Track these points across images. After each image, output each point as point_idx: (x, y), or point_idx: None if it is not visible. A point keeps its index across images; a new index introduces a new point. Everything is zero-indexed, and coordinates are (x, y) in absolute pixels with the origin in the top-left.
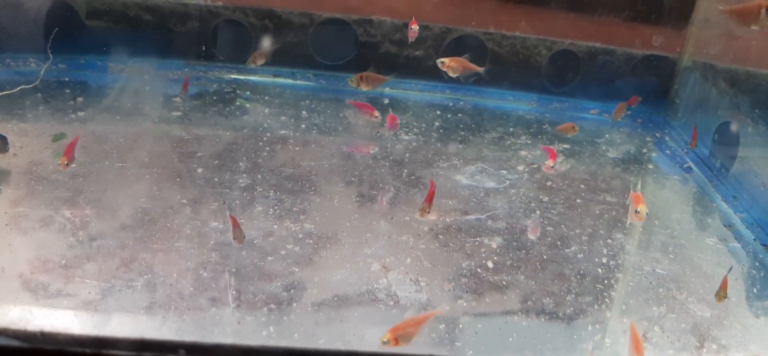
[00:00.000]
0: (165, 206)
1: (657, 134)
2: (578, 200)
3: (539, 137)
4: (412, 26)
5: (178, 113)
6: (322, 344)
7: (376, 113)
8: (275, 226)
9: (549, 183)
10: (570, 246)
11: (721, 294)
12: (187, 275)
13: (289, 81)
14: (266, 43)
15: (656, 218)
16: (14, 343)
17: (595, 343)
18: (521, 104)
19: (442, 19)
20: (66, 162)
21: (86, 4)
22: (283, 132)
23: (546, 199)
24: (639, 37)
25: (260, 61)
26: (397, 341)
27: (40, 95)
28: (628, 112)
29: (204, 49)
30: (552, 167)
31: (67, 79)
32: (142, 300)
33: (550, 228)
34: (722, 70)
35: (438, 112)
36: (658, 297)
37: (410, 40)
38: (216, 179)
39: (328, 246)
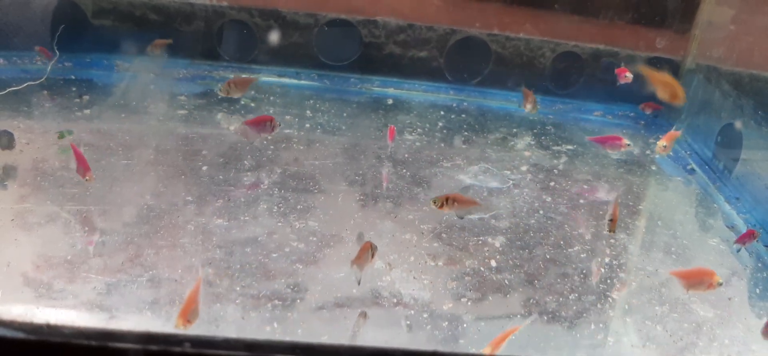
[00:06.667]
0: (170, 204)
1: (660, 136)
2: (581, 201)
3: (542, 138)
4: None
5: (183, 112)
6: (325, 339)
7: (626, 142)
8: (279, 224)
9: (552, 184)
10: (573, 246)
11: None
12: (192, 271)
13: (294, 81)
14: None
15: (659, 219)
16: (20, 335)
17: (598, 342)
18: None
19: (446, 21)
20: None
21: (92, 3)
22: (287, 131)
23: (549, 199)
24: (643, 40)
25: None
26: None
27: (46, 92)
28: (632, 114)
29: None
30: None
31: (73, 77)
32: (146, 296)
33: (553, 228)
34: (726, 72)
35: (441, 112)
36: (660, 296)
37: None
38: (220, 177)
39: (332, 244)
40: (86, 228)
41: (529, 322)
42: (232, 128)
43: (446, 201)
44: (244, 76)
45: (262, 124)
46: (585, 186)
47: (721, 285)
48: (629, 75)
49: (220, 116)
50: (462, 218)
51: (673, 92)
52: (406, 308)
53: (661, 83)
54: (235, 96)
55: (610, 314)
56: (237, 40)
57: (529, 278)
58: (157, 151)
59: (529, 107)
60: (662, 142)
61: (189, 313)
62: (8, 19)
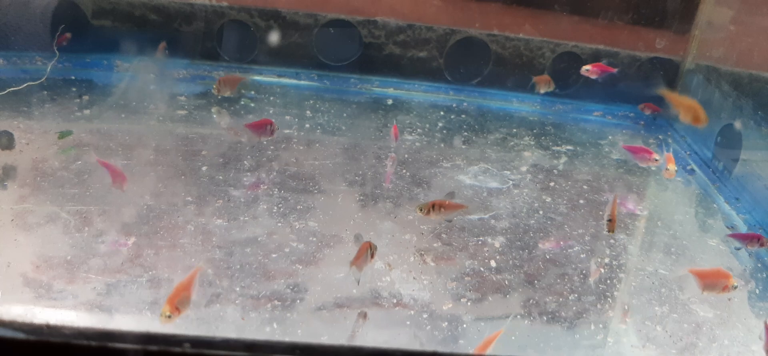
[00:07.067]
0: (169, 204)
1: (660, 136)
2: (581, 201)
3: (542, 138)
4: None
5: (183, 112)
6: (325, 340)
7: (656, 156)
8: (279, 224)
9: (552, 184)
10: (573, 246)
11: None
12: (191, 272)
13: (294, 81)
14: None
15: (659, 219)
16: (20, 336)
17: (598, 342)
18: (524, 105)
19: (445, 21)
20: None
21: (92, 3)
22: (287, 131)
23: (549, 200)
24: (642, 40)
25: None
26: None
27: (46, 92)
28: (631, 114)
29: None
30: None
31: (73, 77)
32: (146, 296)
33: (553, 229)
34: (725, 72)
35: (441, 113)
36: (660, 297)
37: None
38: (220, 178)
39: (332, 245)
40: (86, 228)
41: (510, 323)
42: (223, 124)
43: (432, 208)
44: (236, 74)
45: (262, 128)
46: (585, 187)
47: (735, 288)
48: (592, 68)
49: (214, 109)
50: (451, 221)
51: (695, 115)
52: (405, 308)
53: (684, 107)
54: (225, 94)
55: (609, 314)
56: (237, 41)
57: (529, 278)
58: (156, 151)
59: (542, 89)
60: (670, 166)
61: (178, 300)
62: (8, 19)
